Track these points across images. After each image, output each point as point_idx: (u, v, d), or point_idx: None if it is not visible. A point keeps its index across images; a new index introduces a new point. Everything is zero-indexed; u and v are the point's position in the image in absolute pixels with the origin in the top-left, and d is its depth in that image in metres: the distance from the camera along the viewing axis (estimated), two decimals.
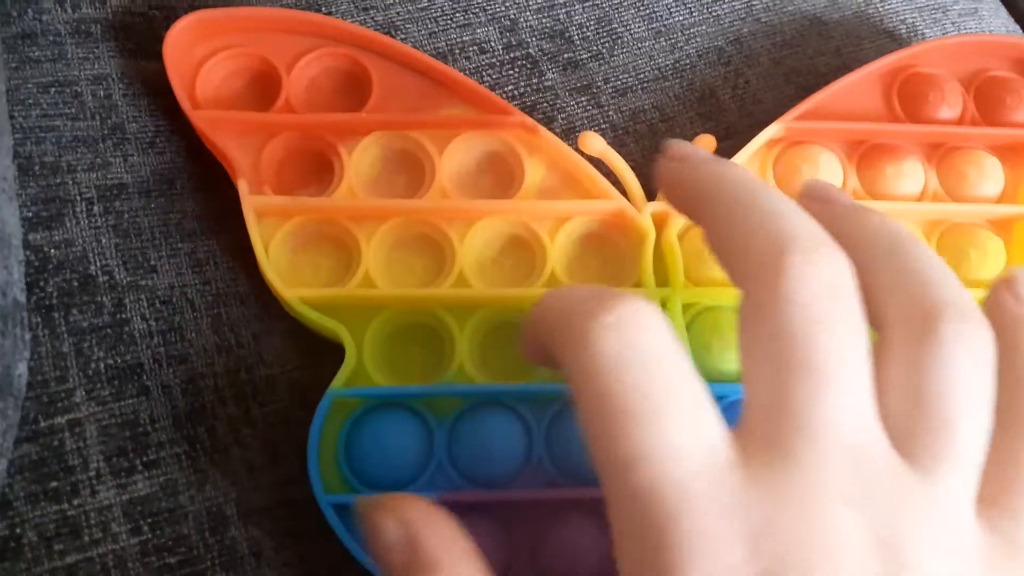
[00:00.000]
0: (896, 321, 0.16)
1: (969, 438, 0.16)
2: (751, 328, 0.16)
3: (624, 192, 0.24)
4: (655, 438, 0.14)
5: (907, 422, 0.16)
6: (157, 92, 0.24)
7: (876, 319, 0.17)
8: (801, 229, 0.16)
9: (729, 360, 0.23)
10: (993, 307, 0.18)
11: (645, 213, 0.23)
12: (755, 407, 0.16)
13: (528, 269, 0.23)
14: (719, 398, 0.22)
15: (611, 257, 0.24)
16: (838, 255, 0.16)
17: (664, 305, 0.23)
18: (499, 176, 0.24)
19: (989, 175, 0.25)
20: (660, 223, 0.23)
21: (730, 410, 0.20)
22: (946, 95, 0.25)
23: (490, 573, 0.17)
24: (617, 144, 0.25)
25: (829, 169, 0.24)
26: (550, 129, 0.24)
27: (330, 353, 0.22)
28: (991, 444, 0.17)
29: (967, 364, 0.16)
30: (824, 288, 0.15)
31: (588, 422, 0.15)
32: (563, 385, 0.22)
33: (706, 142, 0.24)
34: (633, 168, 0.24)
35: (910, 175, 0.24)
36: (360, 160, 0.23)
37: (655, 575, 0.14)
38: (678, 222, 0.23)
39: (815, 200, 0.19)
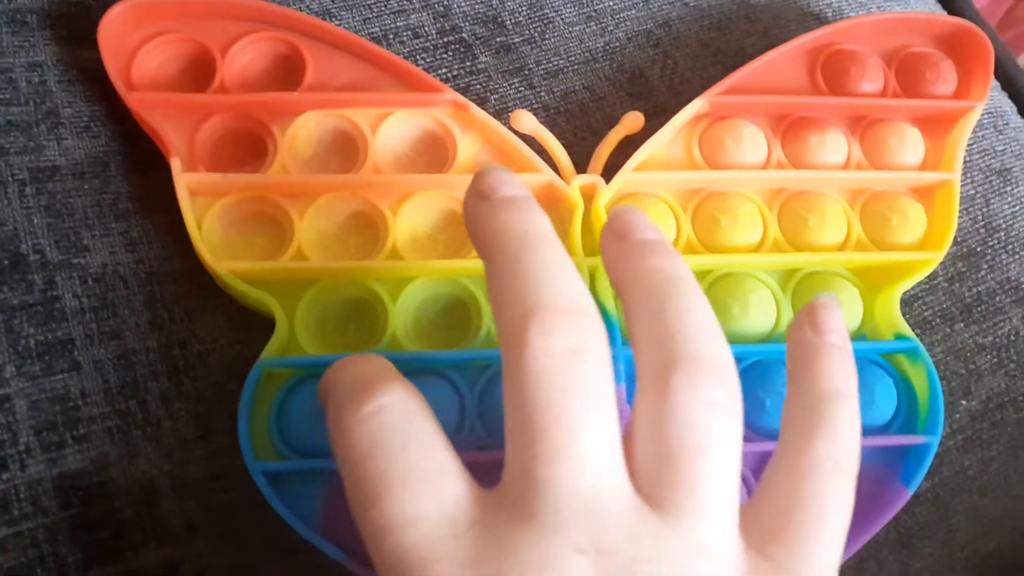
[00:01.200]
0: (642, 373, 0.18)
1: (712, 481, 0.17)
2: (504, 394, 0.17)
3: (556, 168, 0.25)
4: (396, 509, 0.16)
5: (651, 472, 0.17)
6: (93, 79, 0.24)
7: (635, 362, 0.18)
8: (550, 297, 0.17)
9: None
10: (793, 336, 0.20)
11: (573, 186, 0.24)
12: (506, 470, 0.17)
13: (462, 242, 0.24)
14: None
15: None
16: (581, 321, 0.17)
17: (593, 275, 0.24)
18: (433, 153, 0.25)
19: (910, 145, 0.26)
20: (588, 195, 0.24)
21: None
22: (868, 69, 0.26)
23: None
24: (549, 123, 0.26)
25: (753, 142, 0.25)
26: (483, 109, 0.25)
27: (264, 329, 0.22)
28: (773, 473, 0.18)
29: (701, 414, 0.17)
30: (561, 356, 0.16)
31: (350, 499, 0.17)
32: (494, 351, 0.23)
33: (634, 119, 0.25)
34: (565, 145, 0.25)
35: (833, 146, 0.25)
36: (294, 139, 0.24)
37: None
38: (606, 194, 0.24)
39: (613, 235, 0.19)
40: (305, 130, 0.24)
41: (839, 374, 0.19)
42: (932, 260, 0.25)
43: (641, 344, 0.18)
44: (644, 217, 0.20)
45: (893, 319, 0.24)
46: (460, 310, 0.24)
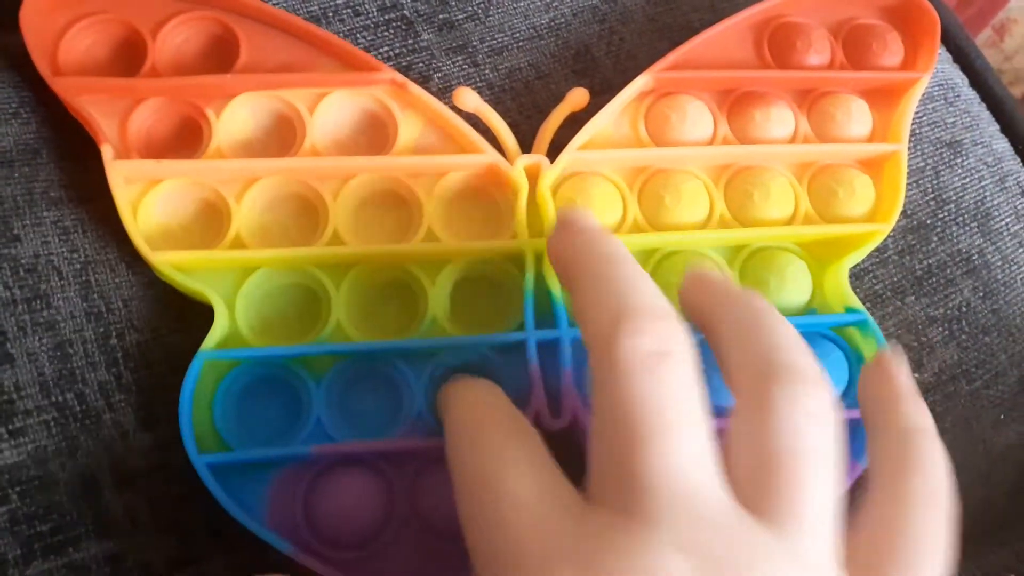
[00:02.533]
0: (739, 385, 0.18)
1: (813, 490, 0.17)
2: (594, 395, 0.18)
3: (501, 148, 0.25)
4: (502, 489, 0.17)
5: (752, 480, 0.17)
6: (21, 63, 0.24)
7: (728, 384, 0.19)
8: (638, 302, 0.18)
9: None
10: (867, 386, 0.21)
11: (517, 166, 0.24)
12: (595, 472, 0.18)
13: (405, 225, 0.24)
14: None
15: (488, 211, 0.25)
16: (669, 325, 0.18)
17: (539, 258, 0.24)
18: (373, 134, 0.25)
19: (856, 117, 0.26)
20: (533, 176, 0.24)
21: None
22: (814, 42, 0.27)
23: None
24: (494, 101, 0.26)
25: (698, 118, 0.25)
26: (426, 88, 0.25)
27: (205, 316, 0.22)
28: (869, 507, 0.19)
29: (802, 423, 0.17)
30: (651, 356, 0.17)
31: (456, 474, 0.19)
32: (440, 340, 0.23)
33: (578, 96, 0.25)
34: (510, 124, 0.25)
35: (779, 120, 0.26)
36: (229, 122, 0.24)
37: None
38: (551, 174, 0.24)
39: (692, 283, 0.21)
40: (241, 113, 0.24)
41: (920, 413, 0.20)
42: (880, 232, 0.25)
43: (734, 358, 0.19)
44: (712, 272, 0.21)
45: (843, 292, 0.24)
46: (405, 296, 0.24)
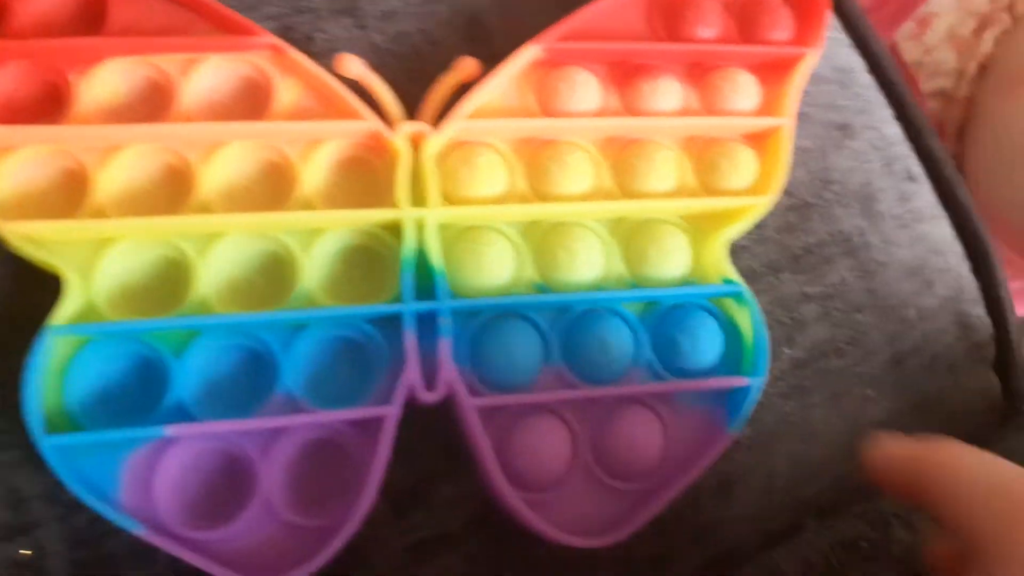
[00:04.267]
0: None
1: None
2: None
3: (386, 117, 0.24)
4: None
5: None
6: None
7: None
8: None
9: (483, 275, 0.24)
10: None
11: (399, 134, 0.24)
12: None
13: (281, 194, 0.23)
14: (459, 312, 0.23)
15: (369, 180, 0.24)
16: None
17: (420, 227, 0.23)
18: (250, 101, 0.24)
19: (743, 91, 0.26)
20: (416, 144, 0.24)
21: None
22: (706, 15, 0.27)
23: None
24: (380, 66, 0.25)
25: (587, 89, 0.25)
26: (309, 50, 0.24)
27: (55, 283, 0.21)
28: None
29: None
30: None
31: None
32: (309, 312, 0.23)
33: (467, 65, 0.25)
34: (398, 91, 0.24)
35: (667, 92, 0.26)
36: (95, 88, 0.23)
37: None
38: (435, 143, 0.24)
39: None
40: (108, 78, 0.23)
41: None
42: (759, 205, 0.25)
43: None
44: None
45: (721, 264, 0.25)
46: (277, 268, 0.23)
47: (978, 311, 0.31)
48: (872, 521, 0.26)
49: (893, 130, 0.33)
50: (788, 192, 0.28)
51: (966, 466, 0.19)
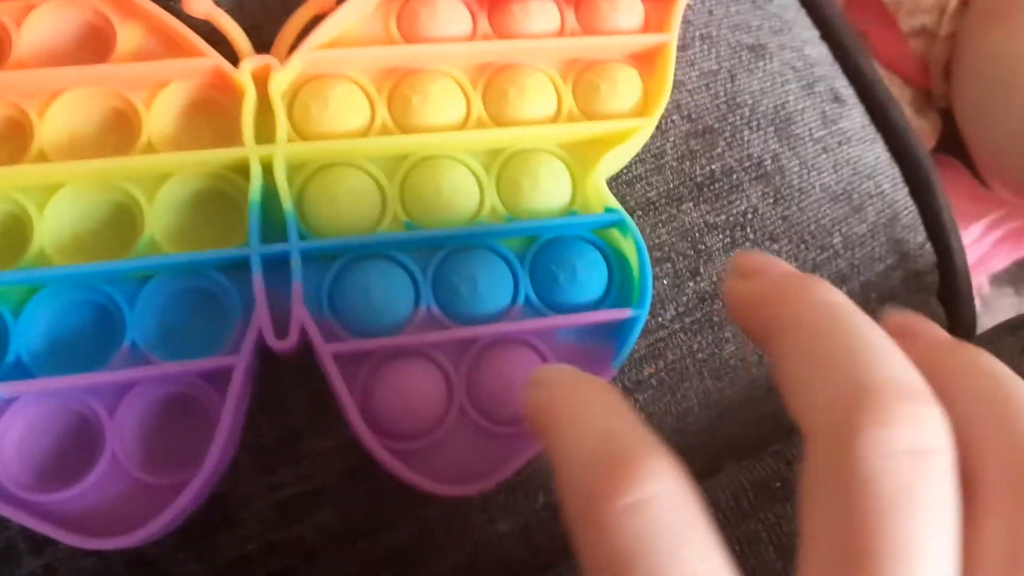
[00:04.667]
0: (992, 485, 0.15)
1: None
2: (814, 501, 0.14)
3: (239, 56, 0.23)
4: None
5: None
6: None
7: (969, 476, 0.15)
8: (885, 378, 0.14)
9: (342, 215, 0.22)
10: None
11: (243, 69, 0.22)
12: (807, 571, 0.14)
13: (125, 142, 0.22)
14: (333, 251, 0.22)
15: (221, 122, 0.23)
16: (928, 411, 0.14)
17: (267, 167, 0.22)
18: (91, 48, 0.23)
19: (624, 8, 0.24)
20: (261, 79, 0.23)
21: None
22: None
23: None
24: (236, 4, 0.25)
25: (452, 14, 0.24)
26: None
27: None
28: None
29: None
30: (903, 454, 0.13)
31: None
32: (154, 259, 0.21)
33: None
34: (255, 29, 0.23)
35: (542, 14, 0.24)
36: None
37: None
38: (282, 77, 0.23)
39: (898, 335, 0.16)
40: None
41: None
42: (641, 128, 0.24)
43: (983, 448, 0.15)
44: (919, 316, 0.17)
45: (602, 193, 0.23)
46: (122, 217, 0.22)
47: (917, 237, 0.30)
48: (788, 460, 0.24)
49: (818, 51, 0.31)
50: (689, 117, 0.26)
51: (808, 309, 0.16)
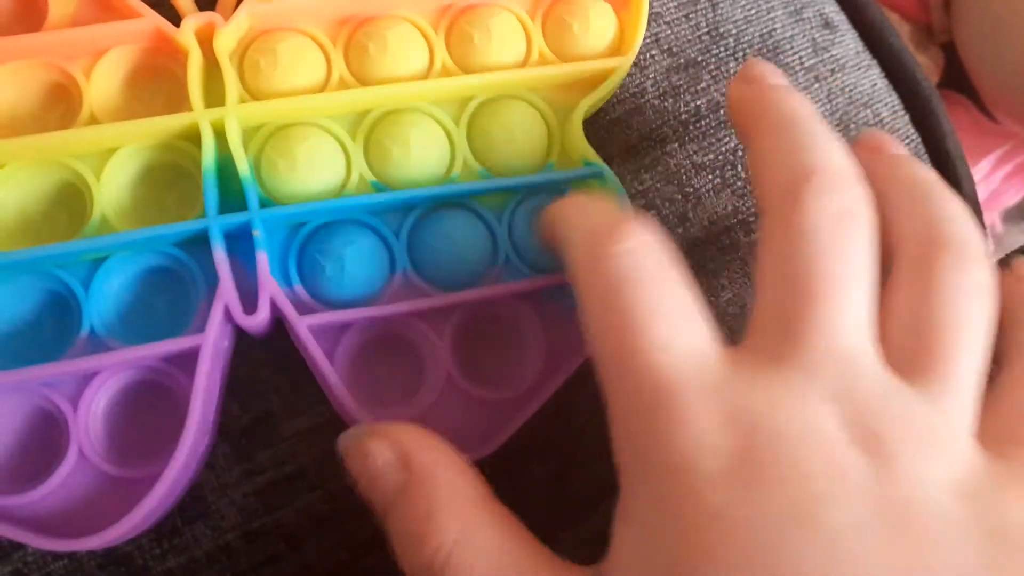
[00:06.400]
0: (903, 251, 0.19)
1: (967, 361, 0.18)
2: (765, 251, 0.18)
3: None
4: (648, 334, 0.17)
5: (908, 345, 0.18)
6: None
7: (892, 251, 0.19)
8: (830, 161, 0.19)
9: (304, 179, 0.21)
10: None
11: (183, 29, 0.21)
12: (757, 318, 0.18)
13: (67, 117, 0.21)
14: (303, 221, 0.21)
15: (169, 89, 0.22)
16: (854, 187, 0.18)
17: (219, 130, 0.21)
18: (22, 16, 0.22)
19: None
20: (206, 38, 0.21)
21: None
22: None
23: (484, 486, 0.18)
24: None
25: None
26: None
27: None
28: (1006, 379, 0.19)
29: (966, 294, 0.18)
30: (834, 216, 0.18)
31: (594, 323, 0.18)
32: (107, 239, 0.20)
33: None
34: None
35: None
36: None
37: (641, 438, 0.17)
38: (227, 35, 0.21)
39: (865, 149, 0.21)
40: None
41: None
42: (619, 67, 0.23)
43: (903, 228, 0.19)
44: (888, 136, 0.22)
45: (580, 144, 0.22)
46: (71, 197, 0.21)
47: None
48: None
49: None
50: (669, 51, 0.25)
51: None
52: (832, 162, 0.19)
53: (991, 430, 0.18)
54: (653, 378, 0.17)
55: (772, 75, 0.21)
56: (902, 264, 0.19)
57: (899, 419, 0.17)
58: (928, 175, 0.20)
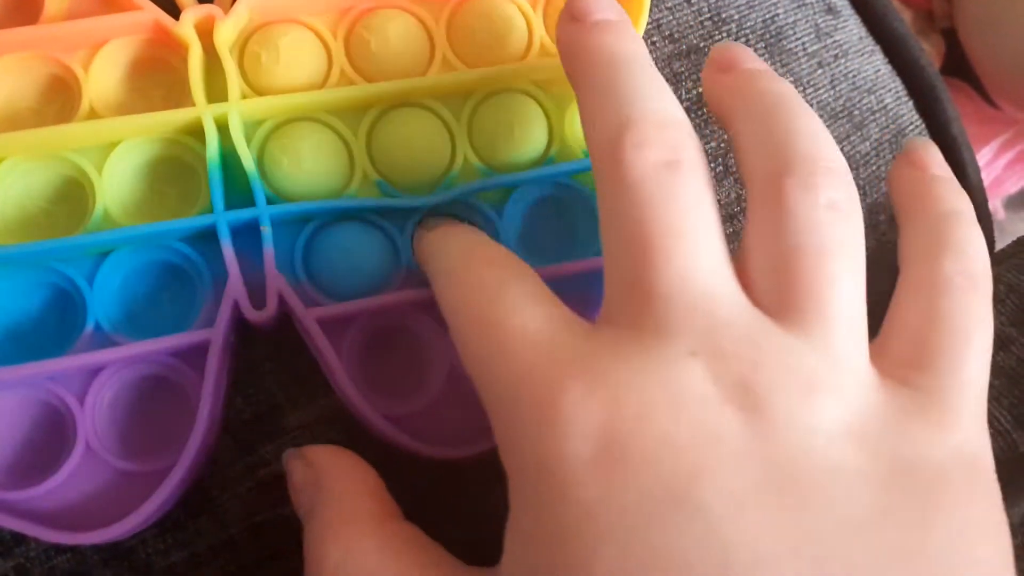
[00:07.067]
0: (751, 180, 0.18)
1: (837, 288, 0.16)
2: (600, 211, 0.18)
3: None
4: (505, 328, 0.17)
5: (769, 281, 0.17)
6: None
7: (744, 182, 0.18)
8: (643, 109, 0.17)
9: (309, 174, 0.21)
10: (896, 178, 0.21)
11: (183, 22, 0.21)
12: (608, 284, 0.17)
13: (67, 111, 0.21)
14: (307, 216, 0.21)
15: (169, 82, 0.22)
16: (677, 132, 0.17)
17: (222, 126, 0.21)
18: (19, 7, 0.22)
19: None
20: (206, 31, 0.21)
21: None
22: None
23: (394, 505, 0.19)
24: None
25: None
26: None
27: None
28: (901, 301, 0.18)
29: (820, 216, 0.17)
30: (657, 167, 0.17)
31: (456, 336, 0.18)
32: (111, 234, 0.20)
33: None
34: None
35: None
36: None
37: (511, 436, 0.16)
38: (228, 28, 0.21)
39: (718, 69, 0.20)
40: None
41: (952, 197, 0.20)
42: None
43: (749, 156, 0.18)
44: (746, 49, 0.20)
45: (580, 135, 0.22)
46: (72, 191, 0.21)
47: None
48: None
49: None
50: (671, 37, 0.25)
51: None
52: (651, 109, 0.17)
53: (890, 354, 0.17)
54: (513, 371, 0.16)
55: (600, 9, 0.19)
56: (752, 195, 0.18)
57: (774, 365, 0.15)
58: (780, 89, 0.19)
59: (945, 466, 0.16)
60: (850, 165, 0.27)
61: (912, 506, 0.15)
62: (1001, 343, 0.25)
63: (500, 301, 0.17)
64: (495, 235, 0.22)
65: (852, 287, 0.17)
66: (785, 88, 0.19)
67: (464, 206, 0.22)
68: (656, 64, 0.25)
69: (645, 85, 0.18)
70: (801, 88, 0.26)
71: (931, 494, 0.15)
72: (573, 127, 0.23)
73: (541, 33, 0.23)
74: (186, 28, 0.21)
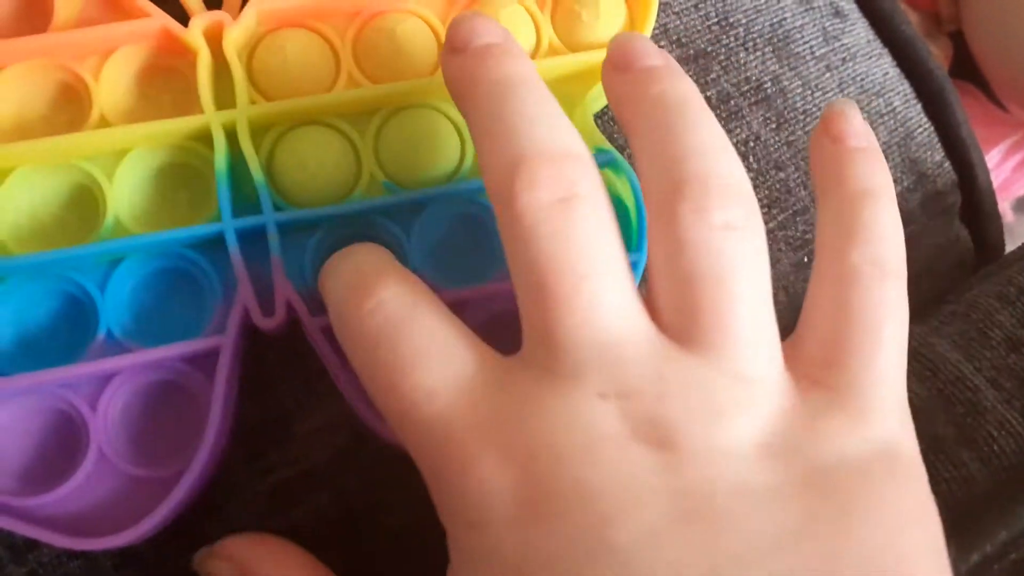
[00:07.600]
0: (648, 204, 0.17)
1: (739, 308, 0.16)
2: (505, 253, 0.17)
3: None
4: (409, 389, 0.16)
5: (672, 308, 0.17)
6: None
7: (645, 206, 0.18)
8: (530, 145, 0.17)
9: (316, 179, 0.21)
10: (814, 149, 0.20)
11: (191, 29, 0.21)
12: (523, 323, 0.17)
13: (77, 118, 0.21)
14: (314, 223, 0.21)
15: (179, 89, 0.22)
16: (568, 166, 0.16)
17: (229, 133, 0.21)
18: (29, 16, 0.22)
19: None
20: (214, 37, 0.22)
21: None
22: None
23: (328, 572, 0.19)
24: None
25: None
26: None
27: None
28: (812, 295, 0.18)
29: (714, 238, 0.16)
30: (551, 207, 0.16)
31: (369, 393, 0.18)
32: (124, 241, 0.21)
33: None
34: None
35: None
36: None
37: (440, 497, 0.16)
38: (235, 32, 0.21)
39: (614, 68, 0.19)
40: None
41: (866, 174, 0.19)
42: None
43: (645, 176, 0.18)
44: (645, 42, 0.19)
45: (590, 132, 0.23)
46: (83, 199, 0.21)
47: (935, 156, 0.28)
48: None
49: None
50: (679, 42, 0.25)
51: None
52: (538, 143, 0.17)
53: (803, 355, 0.17)
54: (430, 434, 0.16)
55: (479, 34, 0.18)
56: (649, 219, 0.17)
57: (679, 395, 0.15)
58: (676, 95, 0.18)
59: (864, 461, 0.16)
60: None
61: (832, 510, 0.15)
62: (1012, 346, 0.25)
63: (395, 356, 0.17)
64: (402, 256, 0.21)
65: (755, 303, 0.17)
66: (681, 92, 0.18)
67: (474, 206, 0.22)
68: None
69: (534, 113, 0.17)
70: (809, 92, 0.26)
71: (851, 493, 0.15)
72: (583, 124, 0.23)
73: (549, 34, 0.23)
74: (195, 35, 0.21)
